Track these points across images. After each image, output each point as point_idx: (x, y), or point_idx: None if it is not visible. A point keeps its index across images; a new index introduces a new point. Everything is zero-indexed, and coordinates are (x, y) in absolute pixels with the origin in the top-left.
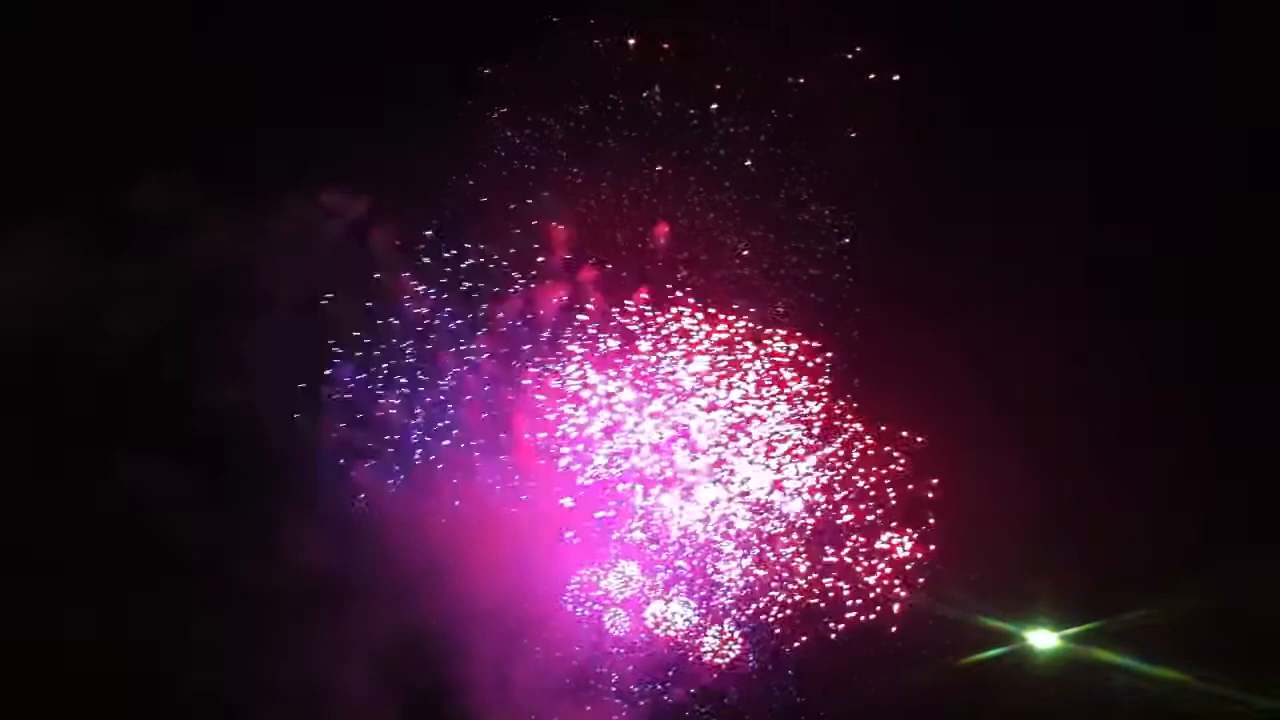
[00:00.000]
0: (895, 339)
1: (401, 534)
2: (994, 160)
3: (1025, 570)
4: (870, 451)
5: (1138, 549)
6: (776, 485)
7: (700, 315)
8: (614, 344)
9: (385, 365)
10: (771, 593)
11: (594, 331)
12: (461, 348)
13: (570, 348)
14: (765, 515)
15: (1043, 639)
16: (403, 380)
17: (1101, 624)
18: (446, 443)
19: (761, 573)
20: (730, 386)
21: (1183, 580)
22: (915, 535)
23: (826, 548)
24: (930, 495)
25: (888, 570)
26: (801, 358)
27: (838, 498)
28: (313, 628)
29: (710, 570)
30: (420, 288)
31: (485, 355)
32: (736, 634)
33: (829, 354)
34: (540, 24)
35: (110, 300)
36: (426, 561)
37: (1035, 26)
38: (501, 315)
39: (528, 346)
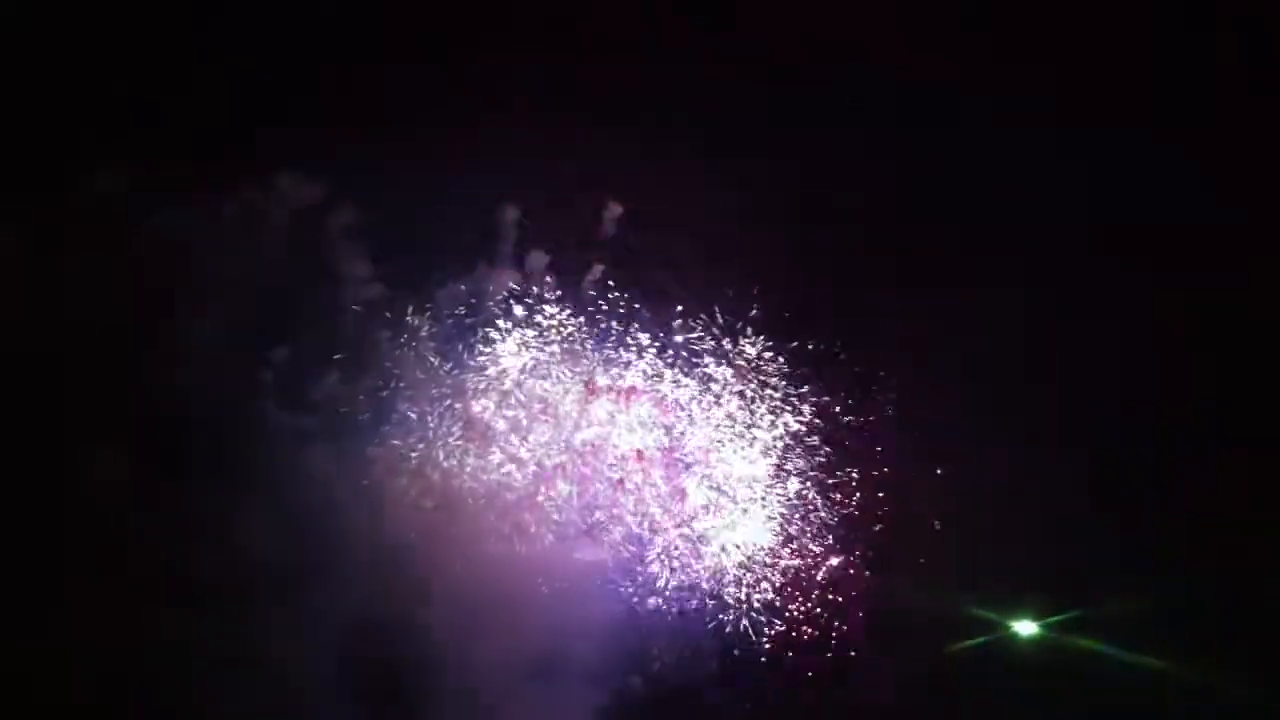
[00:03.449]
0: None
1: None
2: None
3: (1008, 559)
4: (856, 449)
5: (1121, 538)
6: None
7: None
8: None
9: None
10: (761, 589)
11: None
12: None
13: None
14: (755, 514)
15: (1025, 627)
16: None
17: (1083, 612)
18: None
19: (750, 570)
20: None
21: (1165, 570)
22: (897, 522)
23: (808, 541)
24: (912, 481)
25: (869, 559)
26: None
27: (824, 494)
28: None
29: (694, 565)
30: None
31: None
32: (724, 629)
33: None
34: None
35: (101, 296)
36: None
37: None
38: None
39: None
